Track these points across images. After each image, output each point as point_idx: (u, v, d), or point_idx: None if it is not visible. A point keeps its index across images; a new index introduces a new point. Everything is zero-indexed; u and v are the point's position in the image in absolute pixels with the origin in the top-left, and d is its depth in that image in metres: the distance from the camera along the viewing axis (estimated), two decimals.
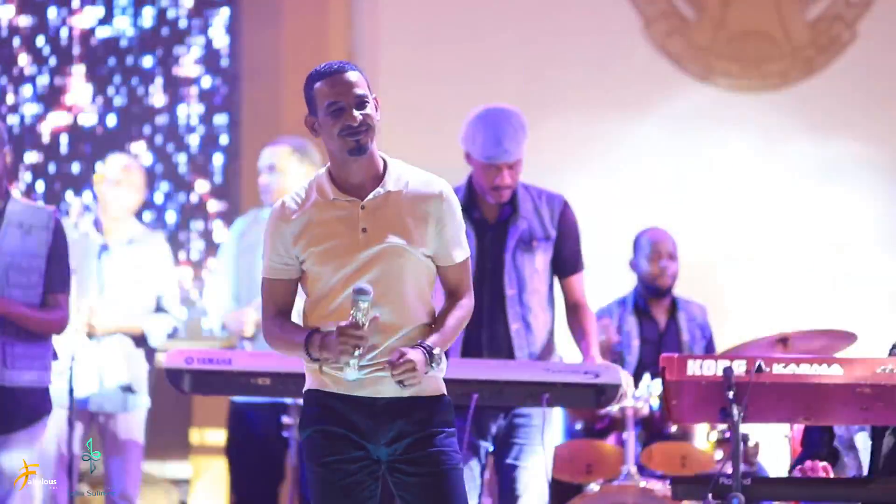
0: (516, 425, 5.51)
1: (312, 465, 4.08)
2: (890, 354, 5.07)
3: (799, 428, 5.85)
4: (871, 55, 8.71)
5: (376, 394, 4.07)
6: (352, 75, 4.10)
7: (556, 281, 5.70)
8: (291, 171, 6.78)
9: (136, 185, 6.87)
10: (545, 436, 5.51)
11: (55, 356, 5.90)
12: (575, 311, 5.65)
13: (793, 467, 5.17)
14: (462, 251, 4.18)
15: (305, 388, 4.15)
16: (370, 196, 4.09)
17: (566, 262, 5.67)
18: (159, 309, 6.80)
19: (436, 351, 4.04)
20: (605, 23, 8.73)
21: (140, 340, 6.75)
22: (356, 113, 4.06)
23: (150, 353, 6.83)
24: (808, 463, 4.95)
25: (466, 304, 4.21)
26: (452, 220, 4.15)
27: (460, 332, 4.23)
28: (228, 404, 7.07)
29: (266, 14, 8.61)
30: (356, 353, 3.96)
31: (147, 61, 8.64)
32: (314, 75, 4.14)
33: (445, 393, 4.16)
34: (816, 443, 5.13)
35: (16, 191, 6.10)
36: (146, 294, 6.77)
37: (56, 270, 5.72)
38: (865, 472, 5.01)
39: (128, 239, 6.80)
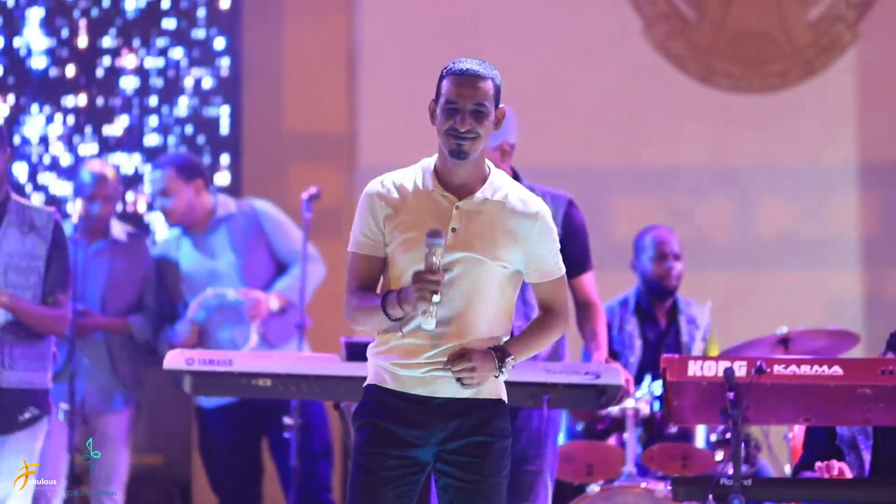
0: (518, 429, 5.50)
1: (357, 453, 4.10)
2: (887, 345, 5.07)
3: (800, 428, 5.85)
4: (872, 56, 8.70)
5: (433, 393, 4.07)
6: (480, 83, 4.08)
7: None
8: (182, 192, 6.85)
9: (108, 197, 6.84)
10: (548, 436, 5.50)
11: (55, 357, 5.90)
12: (584, 310, 5.64)
13: (797, 468, 5.16)
14: (556, 269, 4.20)
15: (366, 382, 4.16)
16: (468, 199, 4.09)
17: (573, 261, 5.65)
18: (142, 307, 6.81)
19: (509, 358, 4.07)
20: (605, 24, 8.73)
21: (128, 339, 6.75)
22: (468, 119, 4.04)
23: (140, 352, 6.83)
24: (826, 463, 4.95)
25: (558, 321, 4.22)
26: (546, 240, 4.16)
27: (546, 345, 4.25)
28: (195, 409, 7.09)
29: (266, 14, 8.60)
30: (434, 298, 3.94)
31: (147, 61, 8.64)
32: (449, 67, 4.12)
33: (505, 398, 4.16)
34: (820, 443, 5.13)
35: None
36: (129, 293, 6.78)
37: (56, 270, 5.72)
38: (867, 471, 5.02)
39: (107, 242, 6.80)
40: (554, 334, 4.22)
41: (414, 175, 4.13)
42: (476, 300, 4.07)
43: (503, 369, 4.06)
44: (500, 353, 4.06)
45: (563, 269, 4.23)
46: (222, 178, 8.61)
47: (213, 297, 6.73)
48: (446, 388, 4.07)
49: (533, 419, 5.51)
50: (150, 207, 8.40)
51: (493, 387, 4.13)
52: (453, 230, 4.06)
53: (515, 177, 5.60)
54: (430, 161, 4.15)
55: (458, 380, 4.02)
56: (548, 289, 4.21)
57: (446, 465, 4.08)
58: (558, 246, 4.21)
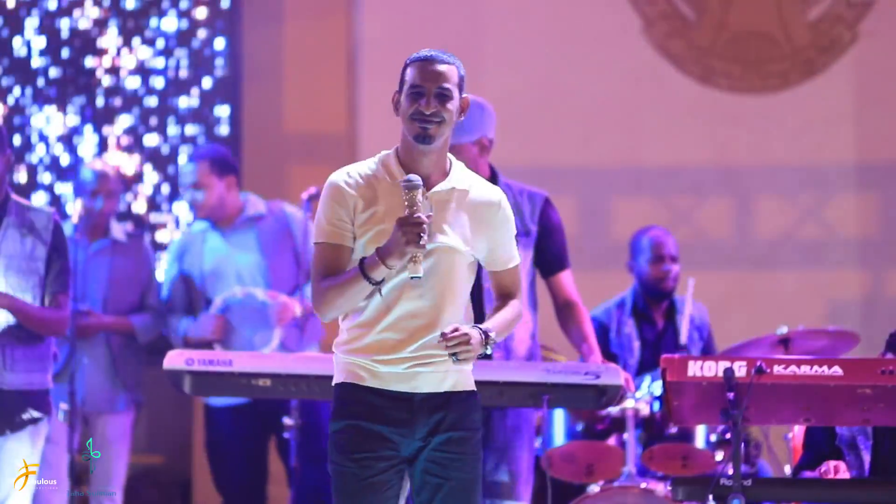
0: (495, 428, 5.50)
1: (342, 459, 4.06)
2: (887, 345, 5.08)
3: (800, 428, 5.85)
4: (872, 56, 8.70)
5: (414, 389, 4.07)
6: (444, 68, 4.10)
7: (536, 281, 5.68)
8: (214, 186, 6.83)
9: (111, 192, 6.85)
10: (525, 434, 5.51)
11: (55, 358, 5.90)
12: (568, 310, 5.63)
13: (797, 468, 5.16)
14: (516, 257, 4.22)
15: (337, 381, 4.12)
16: (436, 188, 4.09)
17: (550, 259, 5.65)
18: (144, 307, 6.81)
19: (492, 334, 4.06)
20: (605, 24, 8.73)
21: (130, 339, 6.75)
22: (433, 101, 4.05)
23: (141, 352, 6.83)
24: (833, 464, 4.95)
25: (518, 306, 4.24)
26: (508, 227, 4.18)
27: (512, 329, 4.25)
28: (203, 408, 7.08)
29: (266, 14, 8.60)
30: (421, 240, 3.92)
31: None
32: (412, 57, 4.14)
33: (475, 390, 4.17)
34: (819, 443, 5.13)
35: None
36: (131, 294, 6.79)
37: (56, 272, 5.72)
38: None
39: (108, 241, 6.80)
40: (516, 320, 4.24)
41: (377, 167, 4.12)
42: (450, 289, 4.07)
43: (489, 346, 4.05)
44: (483, 330, 4.06)
45: (519, 259, 4.25)
46: None
47: (242, 295, 6.71)
48: (426, 382, 4.06)
49: (509, 417, 5.51)
50: (173, 199, 8.41)
51: (468, 379, 4.14)
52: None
53: (493, 174, 5.59)
54: (391, 153, 4.14)
55: (453, 355, 3.99)
56: (508, 276, 4.23)
57: (428, 461, 4.08)
58: (514, 233, 4.22)
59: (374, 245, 4.03)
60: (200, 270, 6.81)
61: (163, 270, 7.25)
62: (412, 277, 3.97)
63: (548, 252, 5.64)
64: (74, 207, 6.74)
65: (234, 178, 6.89)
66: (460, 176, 4.14)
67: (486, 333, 4.04)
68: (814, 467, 5.05)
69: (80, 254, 6.63)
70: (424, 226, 3.93)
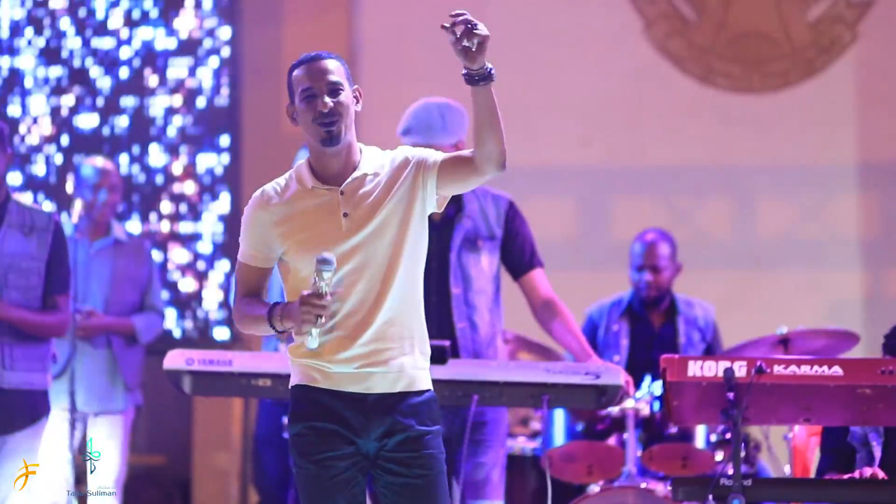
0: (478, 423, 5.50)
1: (303, 462, 4.05)
2: (884, 348, 5.08)
3: (800, 428, 5.85)
4: (872, 56, 8.70)
5: (367, 389, 4.05)
6: (328, 63, 4.10)
7: (501, 286, 5.67)
8: None
9: (114, 186, 6.86)
10: (500, 428, 5.52)
11: (54, 358, 5.90)
12: (548, 308, 5.60)
13: (818, 474, 5.14)
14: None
15: (292, 383, 4.13)
16: (348, 180, 4.07)
17: (518, 259, 5.63)
18: (144, 308, 6.82)
19: (493, 71, 3.95)
20: (606, 23, 8.73)
21: (131, 339, 6.76)
22: (328, 100, 4.04)
23: (141, 353, 6.83)
24: (868, 471, 4.94)
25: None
26: (422, 153, 4.12)
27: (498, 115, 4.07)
28: (259, 403, 7.06)
29: (266, 14, 8.60)
30: (318, 321, 3.95)
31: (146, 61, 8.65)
32: (294, 65, 4.15)
33: (432, 388, 4.15)
34: (833, 442, 5.12)
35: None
36: (132, 293, 6.79)
37: (56, 272, 5.72)
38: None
39: (110, 240, 6.80)
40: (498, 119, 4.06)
41: (290, 179, 4.12)
42: (388, 278, 4.04)
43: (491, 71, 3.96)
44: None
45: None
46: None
47: None
48: (379, 383, 4.05)
49: (486, 412, 5.50)
50: None
51: (423, 378, 4.12)
52: (345, 215, 4.05)
53: None
54: (303, 162, 4.14)
55: (470, 31, 3.88)
56: (452, 158, 4.11)
57: (387, 462, 4.06)
58: (430, 152, 4.14)
59: (302, 254, 4.03)
60: None
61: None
62: (308, 346, 4.02)
63: (515, 253, 5.63)
64: (74, 207, 6.74)
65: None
66: (369, 160, 4.12)
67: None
68: (837, 470, 5.03)
69: (81, 253, 6.63)
70: (325, 308, 3.94)
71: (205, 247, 8.57)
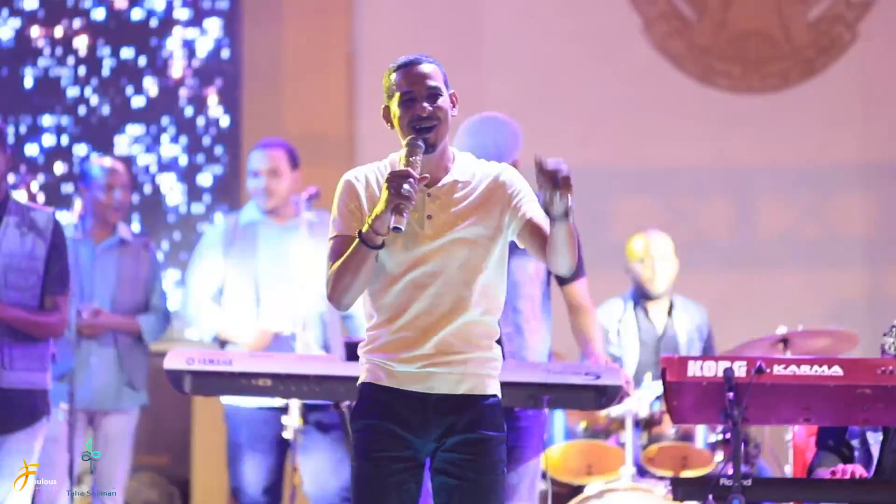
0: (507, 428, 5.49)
1: (360, 459, 4.06)
2: (882, 352, 5.08)
3: (800, 428, 5.86)
4: (872, 56, 8.71)
5: (429, 389, 4.04)
6: (426, 67, 4.10)
7: (550, 291, 5.68)
8: (288, 176, 6.73)
9: (123, 185, 6.87)
10: (535, 436, 5.50)
11: (54, 358, 5.90)
12: (576, 313, 5.66)
13: (811, 467, 5.15)
14: (542, 214, 4.06)
15: (360, 381, 4.12)
16: (439, 184, 4.07)
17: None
18: (150, 308, 6.82)
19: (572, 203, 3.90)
20: (605, 23, 8.74)
21: (137, 339, 6.76)
22: (426, 105, 4.05)
23: (146, 352, 6.83)
24: (848, 467, 4.94)
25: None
26: (520, 190, 4.08)
27: (574, 244, 4.00)
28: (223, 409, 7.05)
29: (266, 14, 8.61)
30: (404, 192, 3.87)
31: (144, 60, 8.65)
32: (393, 65, 4.16)
33: (499, 395, 4.13)
34: (830, 440, 5.13)
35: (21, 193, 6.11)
36: (138, 293, 6.79)
37: (55, 272, 5.72)
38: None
39: (116, 240, 6.81)
40: (574, 245, 4.01)
41: (385, 169, 4.10)
42: (466, 284, 4.04)
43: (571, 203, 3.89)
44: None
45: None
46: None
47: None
48: (442, 383, 4.05)
49: (521, 419, 5.50)
50: None
51: (489, 383, 4.12)
52: (429, 217, 4.04)
53: None
54: (395, 157, 4.12)
55: (558, 185, 3.80)
56: (538, 227, 4.07)
57: (444, 462, 4.06)
58: (532, 195, 4.11)
59: (385, 245, 4.02)
60: (252, 257, 6.68)
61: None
62: (394, 228, 3.92)
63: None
64: (74, 206, 6.74)
65: (298, 175, 6.82)
66: (462, 167, 4.12)
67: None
68: (826, 466, 5.05)
69: (86, 252, 6.64)
70: (411, 179, 3.91)
71: None
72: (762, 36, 8.79)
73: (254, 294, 6.60)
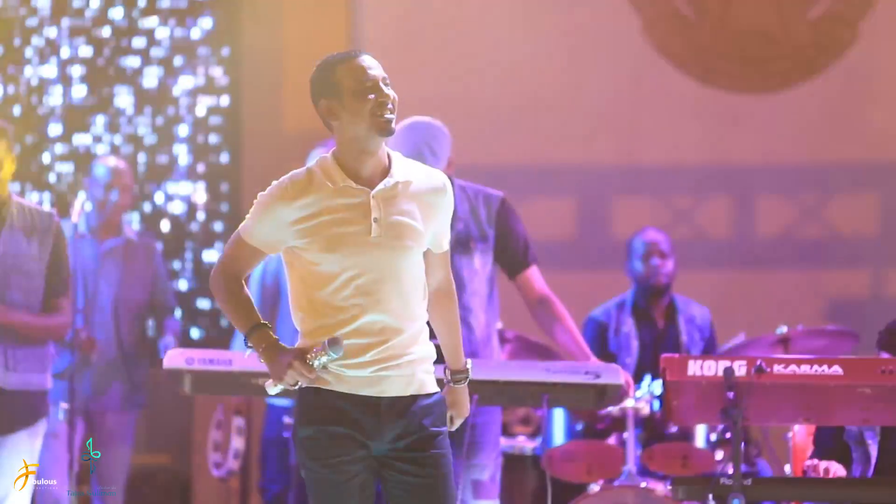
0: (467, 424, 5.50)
1: (316, 466, 4.04)
2: (878, 344, 5.08)
3: (800, 428, 5.86)
4: (873, 55, 8.70)
5: (381, 393, 4.06)
6: (371, 58, 4.13)
7: (496, 285, 5.66)
8: None
9: (126, 186, 6.88)
10: (493, 431, 5.52)
11: (54, 358, 5.90)
12: (544, 306, 5.59)
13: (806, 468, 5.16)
14: (448, 240, 4.21)
15: (301, 385, 4.11)
16: (380, 186, 4.05)
17: (512, 258, 5.61)
18: (153, 307, 6.83)
19: (469, 366, 4.28)
20: (605, 24, 8.73)
21: (141, 339, 6.77)
22: (388, 90, 4.07)
23: (148, 352, 6.84)
24: (822, 464, 4.95)
25: (455, 303, 4.28)
26: (450, 210, 4.17)
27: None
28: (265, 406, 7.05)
29: (266, 14, 8.60)
30: (289, 384, 4.02)
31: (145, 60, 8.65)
32: (334, 61, 4.11)
33: (440, 391, 4.18)
34: (827, 439, 5.13)
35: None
36: (141, 293, 6.80)
37: (56, 274, 5.71)
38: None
39: (121, 240, 6.82)
40: (458, 313, 4.30)
41: (314, 173, 4.07)
42: (407, 286, 4.06)
43: (467, 380, 4.30)
44: (461, 376, 4.27)
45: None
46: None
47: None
48: (392, 386, 4.06)
49: (481, 414, 5.49)
50: None
51: (432, 381, 4.14)
52: (375, 220, 4.03)
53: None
54: (327, 157, 4.11)
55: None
56: (444, 259, 4.21)
57: (400, 462, 4.07)
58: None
59: (331, 249, 4.01)
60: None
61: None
62: (268, 390, 4.08)
63: (509, 252, 5.61)
64: (75, 206, 6.73)
65: None
66: (400, 169, 4.11)
67: (463, 376, 4.28)
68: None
69: (90, 252, 6.65)
70: (302, 380, 4.00)
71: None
72: (762, 35, 8.79)
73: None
